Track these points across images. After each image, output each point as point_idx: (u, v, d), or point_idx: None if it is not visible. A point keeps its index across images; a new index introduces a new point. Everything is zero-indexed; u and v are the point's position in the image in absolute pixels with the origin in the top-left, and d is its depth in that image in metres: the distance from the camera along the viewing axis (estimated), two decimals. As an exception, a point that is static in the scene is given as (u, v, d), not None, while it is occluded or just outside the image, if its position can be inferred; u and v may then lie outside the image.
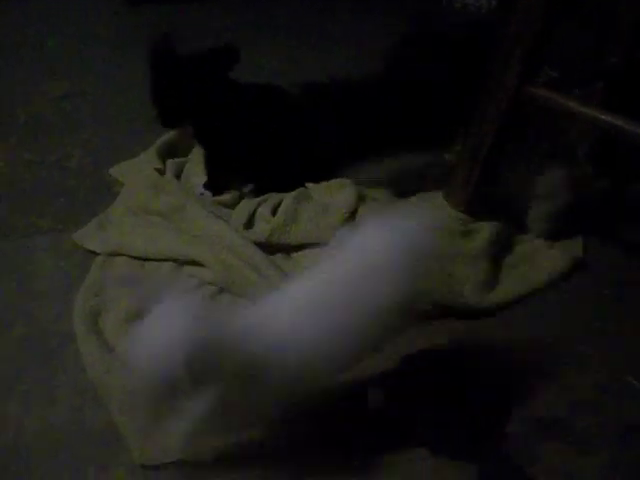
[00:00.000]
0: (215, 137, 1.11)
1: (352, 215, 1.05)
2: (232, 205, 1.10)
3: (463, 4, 2.09)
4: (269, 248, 1.01)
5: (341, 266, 0.67)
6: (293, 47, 1.93)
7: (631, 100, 1.03)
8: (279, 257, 1.01)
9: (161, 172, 1.15)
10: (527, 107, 0.97)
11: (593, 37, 1.19)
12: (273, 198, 1.10)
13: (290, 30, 2.09)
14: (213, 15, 2.19)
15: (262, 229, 1.02)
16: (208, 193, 1.12)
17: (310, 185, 1.12)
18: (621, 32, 1.05)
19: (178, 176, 1.17)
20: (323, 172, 1.14)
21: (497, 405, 0.78)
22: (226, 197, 1.11)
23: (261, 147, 1.12)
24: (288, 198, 1.06)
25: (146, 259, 0.99)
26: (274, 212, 1.07)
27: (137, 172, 1.16)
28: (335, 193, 1.10)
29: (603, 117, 0.81)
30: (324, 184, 1.12)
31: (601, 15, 1.21)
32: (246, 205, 1.08)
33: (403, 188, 1.14)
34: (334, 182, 1.11)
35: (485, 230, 1.01)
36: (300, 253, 1.02)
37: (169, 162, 1.19)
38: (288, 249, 1.02)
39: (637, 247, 1.10)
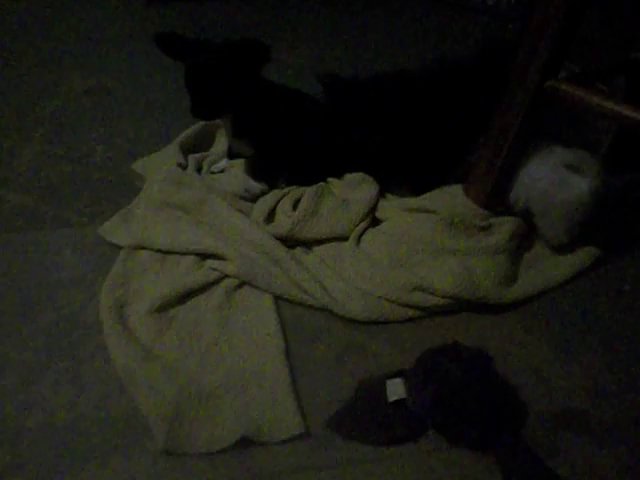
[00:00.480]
0: (254, 131, 1.11)
1: (372, 210, 1.06)
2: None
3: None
4: (289, 242, 1.02)
5: None
6: (313, 45, 1.94)
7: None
8: (299, 251, 1.02)
9: (183, 166, 1.17)
10: (551, 101, 0.97)
11: (615, 32, 1.18)
12: (294, 192, 1.11)
13: (310, 28, 2.09)
14: (231, 12, 2.21)
15: (283, 223, 1.03)
16: (257, 186, 1.12)
17: (331, 180, 1.13)
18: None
19: (200, 170, 1.19)
20: (351, 167, 1.14)
21: (516, 397, 0.79)
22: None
23: (296, 143, 1.13)
24: (309, 193, 1.07)
25: (168, 252, 1.00)
26: (294, 206, 1.08)
27: (159, 167, 1.17)
28: (356, 188, 1.11)
29: (625, 112, 0.80)
30: (346, 177, 1.13)
31: (626, 9, 1.20)
32: (266, 199, 1.09)
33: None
34: (354, 176, 1.12)
35: (505, 225, 1.01)
36: (321, 247, 1.03)
37: (190, 157, 1.21)
38: (308, 243, 1.03)
39: None
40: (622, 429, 0.76)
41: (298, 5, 2.25)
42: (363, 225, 1.03)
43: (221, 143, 1.29)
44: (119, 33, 2.03)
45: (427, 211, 1.01)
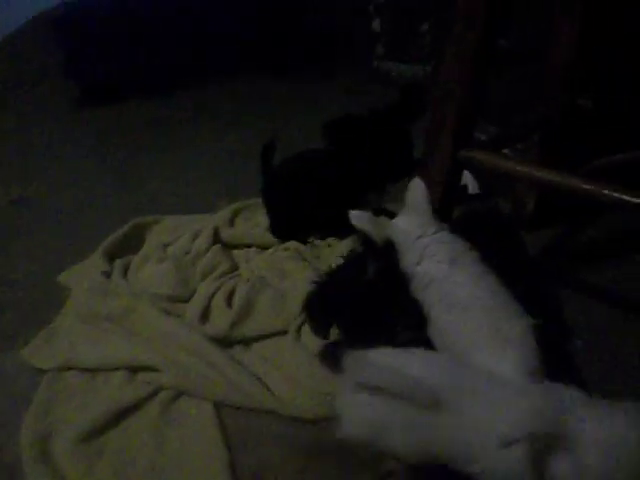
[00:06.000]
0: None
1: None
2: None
3: (399, 71, 2.17)
4: (227, 340, 0.97)
5: None
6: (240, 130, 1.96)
7: (568, 150, 1.06)
8: (238, 349, 0.97)
9: (108, 274, 1.12)
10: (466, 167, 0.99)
11: (525, 91, 1.24)
12: (227, 285, 1.08)
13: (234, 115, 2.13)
14: (162, 108, 2.22)
15: (220, 323, 0.99)
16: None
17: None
18: (551, 85, 1.09)
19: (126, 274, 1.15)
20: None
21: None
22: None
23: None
24: (242, 287, 1.04)
25: (98, 370, 0.94)
26: (229, 301, 1.04)
27: (84, 277, 1.12)
28: (293, 277, 1.09)
29: (539, 174, 0.82)
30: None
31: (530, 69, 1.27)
32: (199, 297, 1.05)
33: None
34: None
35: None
36: (260, 343, 0.98)
37: (117, 262, 1.16)
38: (247, 340, 0.99)
39: (597, 289, 1.09)
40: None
41: (214, 97, 2.28)
42: (302, 317, 0.99)
43: (155, 242, 1.26)
44: (45, 138, 2.00)
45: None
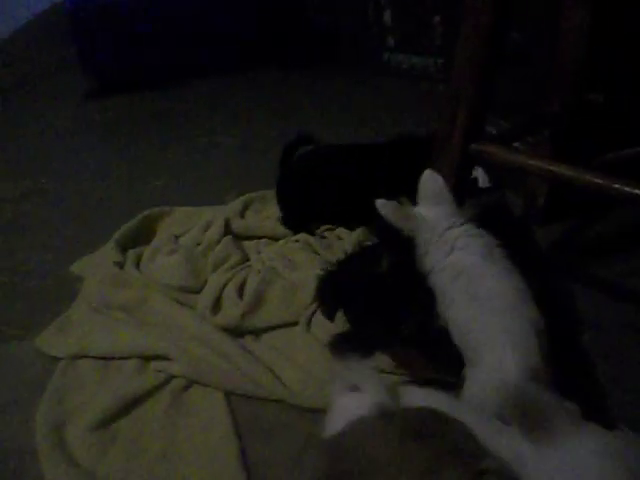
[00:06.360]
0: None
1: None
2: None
3: (410, 64, 2.16)
4: (238, 331, 0.98)
5: None
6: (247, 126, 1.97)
7: (576, 146, 1.06)
8: (249, 340, 0.98)
9: (120, 265, 1.13)
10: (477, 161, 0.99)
11: (535, 86, 1.23)
12: (238, 277, 1.09)
13: (246, 110, 2.13)
14: (168, 101, 2.23)
15: (232, 313, 1.00)
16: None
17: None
18: (559, 81, 1.08)
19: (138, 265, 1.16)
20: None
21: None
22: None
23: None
24: (253, 278, 1.05)
25: (110, 358, 0.95)
26: (240, 291, 1.05)
27: (97, 267, 1.13)
28: (304, 268, 1.10)
29: (550, 168, 0.82)
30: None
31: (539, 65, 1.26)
32: (210, 288, 1.06)
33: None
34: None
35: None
36: (270, 334, 0.99)
37: (130, 252, 1.18)
38: (258, 331, 1.00)
39: (605, 283, 1.09)
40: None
41: (223, 92, 2.28)
42: (312, 308, 1.00)
43: (166, 233, 1.27)
44: (55, 131, 2.02)
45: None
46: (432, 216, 0.86)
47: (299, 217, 1.24)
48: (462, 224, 0.85)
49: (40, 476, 0.77)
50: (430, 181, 0.87)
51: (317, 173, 1.23)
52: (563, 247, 1.19)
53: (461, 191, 1.00)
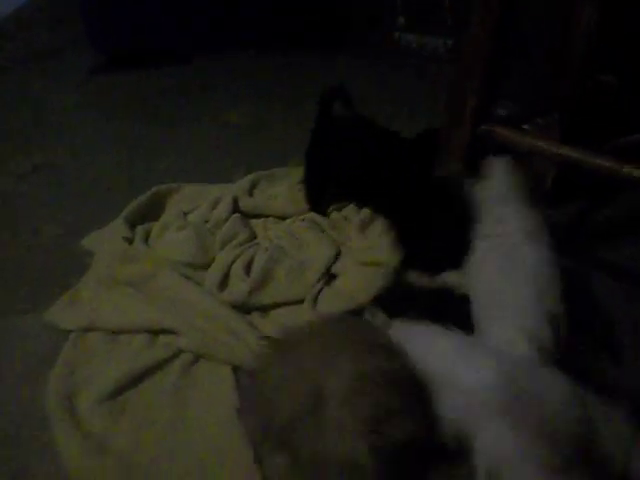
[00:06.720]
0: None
1: (328, 269, 1.05)
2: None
3: (420, 44, 2.14)
4: (245, 307, 0.99)
5: None
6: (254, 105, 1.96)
7: (587, 129, 1.05)
8: (256, 316, 0.99)
9: (129, 240, 1.14)
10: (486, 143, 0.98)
11: (545, 69, 1.22)
12: (246, 254, 1.09)
13: (252, 88, 2.12)
14: (171, 77, 2.22)
15: (239, 289, 1.01)
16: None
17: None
18: (570, 64, 1.07)
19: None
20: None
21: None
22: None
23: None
24: (261, 256, 1.06)
25: (119, 332, 0.96)
26: (248, 268, 1.06)
27: (107, 242, 1.14)
28: (311, 247, 1.10)
29: (559, 150, 0.82)
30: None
31: (550, 47, 1.24)
32: (218, 265, 1.07)
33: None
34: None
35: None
36: (277, 311, 1.00)
37: (139, 228, 1.19)
38: (265, 307, 1.01)
39: (614, 267, 1.09)
40: None
41: (230, 67, 2.27)
42: (319, 286, 1.01)
43: (175, 210, 1.28)
44: (63, 105, 2.01)
45: (379, 264, 1.00)
46: (498, 191, 0.91)
47: (320, 180, 1.23)
48: (523, 204, 0.89)
49: (52, 444, 0.79)
50: (499, 164, 0.90)
51: (345, 139, 1.19)
52: (570, 229, 1.19)
53: (469, 171, 1.00)
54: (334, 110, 1.21)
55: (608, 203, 1.24)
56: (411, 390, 0.65)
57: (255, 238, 1.18)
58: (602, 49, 1.07)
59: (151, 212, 1.27)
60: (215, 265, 1.08)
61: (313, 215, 1.20)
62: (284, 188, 1.30)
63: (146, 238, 1.17)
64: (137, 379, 0.88)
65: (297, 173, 1.35)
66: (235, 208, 1.23)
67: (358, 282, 1.00)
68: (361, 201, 1.20)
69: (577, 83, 1.07)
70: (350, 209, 1.21)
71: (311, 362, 0.67)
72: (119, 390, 0.86)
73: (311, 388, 0.63)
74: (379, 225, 1.11)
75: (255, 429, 0.71)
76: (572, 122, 1.10)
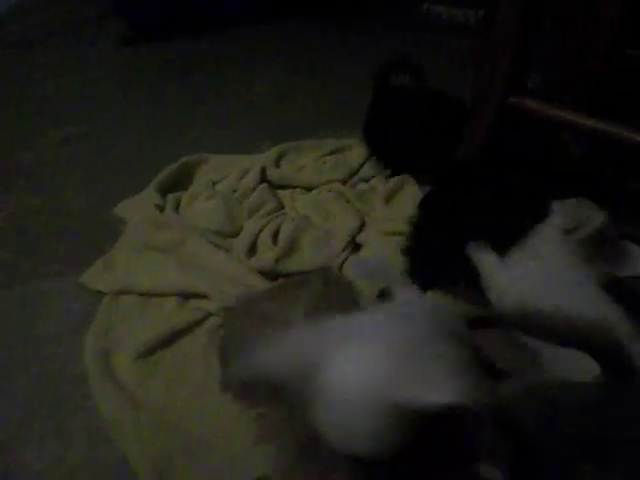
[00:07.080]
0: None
1: (353, 239, 1.07)
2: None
3: (450, 15, 2.11)
4: (271, 274, 1.02)
5: None
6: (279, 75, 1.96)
7: (616, 103, 1.03)
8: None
9: (160, 208, 1.17)
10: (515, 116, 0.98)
11: (574, 42, 1.20)
12: (273, 223, 1.12)
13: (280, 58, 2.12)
14: (197, 48, 2.23)
15: (266, 257, 1.04)
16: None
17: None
18: (600, 36, 1.05)
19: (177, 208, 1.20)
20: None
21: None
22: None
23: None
24: (288, 225, 1.08)
25: (151, 295, 1.00)
26: (275, 237, 1.09)
27: (138, 209, 1.18)
28: (337, 217, 1.12)
29: (588, 123, 0.81)
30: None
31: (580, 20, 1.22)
32: (246, 233, 1.10)
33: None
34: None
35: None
36: (302, 278, 1.03)
37: (169, 197, 1.22)
38: (291, 275, 1.03)
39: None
40: None
41: (267, 41, 2.27)
42: (344, 255, 1.04)
43: (204, 180, 1.30)
44: (93, 77, 2.04)
45: (402, 234, 1.01)
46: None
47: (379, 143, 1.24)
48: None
49: (88, 398, 0.84)
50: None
51: (403, 111, 1.19)
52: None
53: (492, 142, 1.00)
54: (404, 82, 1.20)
55: (636, 177, 1.22)
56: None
57: (282, 208, 1.20)
58: (631, 23, 1.05)
59: (181, 182, 1.30)
60: (243, 233, 1.11)
61: (339, 186, 1.22)
62: (310, 159, 1.32)
63: (177, 206, 1.20)
64: (168, 340, 0.91)
65: (324, 145, 1.36)
66: (263, 178, 1.25)
67: (381, 251, 1.02)
68: (421, 173, 1.20)
69: (606, 58, 1.05)
70: (377, 179, 1.22)
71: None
72: (151, 350, 0.90)
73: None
74: (404, 195, 1.12)
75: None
76: (601, 95, 1.09)
